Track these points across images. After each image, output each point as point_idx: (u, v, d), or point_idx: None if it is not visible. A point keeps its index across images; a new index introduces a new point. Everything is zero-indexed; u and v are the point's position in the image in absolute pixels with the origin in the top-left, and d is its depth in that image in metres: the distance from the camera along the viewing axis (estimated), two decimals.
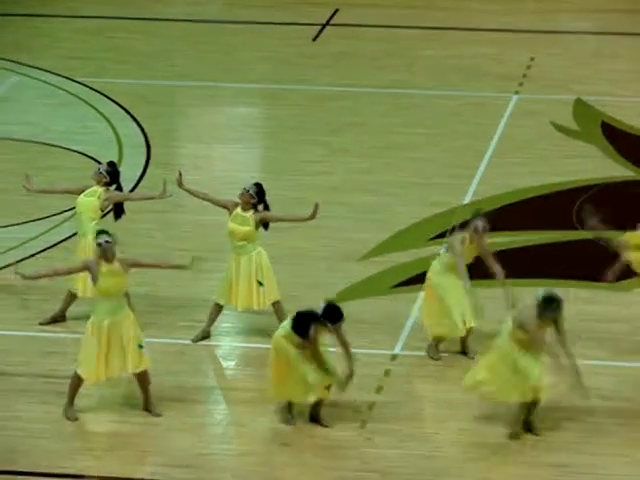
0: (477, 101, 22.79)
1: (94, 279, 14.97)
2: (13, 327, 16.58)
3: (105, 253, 14.96)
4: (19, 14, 26.95)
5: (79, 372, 15.06)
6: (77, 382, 15.14)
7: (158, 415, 15.12)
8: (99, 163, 17.73)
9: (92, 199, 17.07)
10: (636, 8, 26.83)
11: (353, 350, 14.77)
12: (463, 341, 16.13)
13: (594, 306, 16.78)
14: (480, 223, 15.74)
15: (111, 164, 17.23)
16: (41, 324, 16.86)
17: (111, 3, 27.87)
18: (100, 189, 16.98)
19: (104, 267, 14.98)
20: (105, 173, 17.06)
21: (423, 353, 15.99)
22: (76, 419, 15.05)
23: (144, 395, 14.96)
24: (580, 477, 13.64)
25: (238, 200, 16.13)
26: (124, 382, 15.10)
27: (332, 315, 14.70)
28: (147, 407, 15.27)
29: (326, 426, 15.04)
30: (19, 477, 13.53)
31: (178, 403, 15.04)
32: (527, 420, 14.86)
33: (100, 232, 15.70)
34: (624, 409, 14.91)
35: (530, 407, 14.87)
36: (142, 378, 15.12)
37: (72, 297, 17.51)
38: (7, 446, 13.74)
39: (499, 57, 24.64)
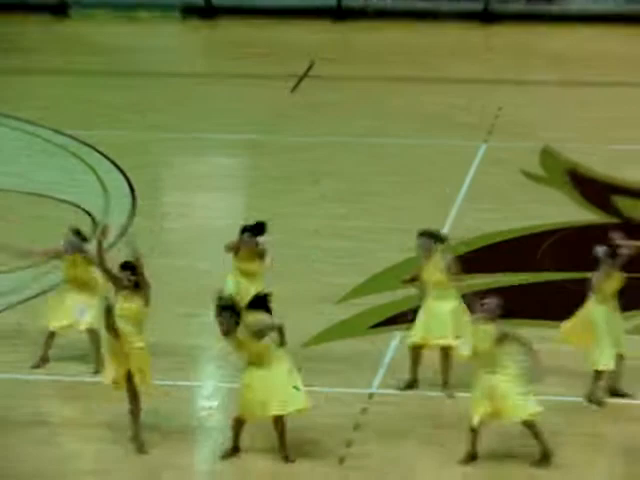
0: (448, 149, 22.99)
1: None
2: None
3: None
4: None
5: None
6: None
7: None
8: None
9: None
10: (595, 58, 27.11)
11: (332, 389, 15.28)
12: None
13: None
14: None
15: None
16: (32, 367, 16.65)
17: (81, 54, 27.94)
18: None
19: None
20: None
21: (399, 392, 15.96)
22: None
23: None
24: None
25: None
26: None
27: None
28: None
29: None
30: None
31: None
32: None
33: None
34: None
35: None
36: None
37: (52, 336, 17.08)
38: None
39: (468, 107, 24.79)
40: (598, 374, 15.51)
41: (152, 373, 15.18)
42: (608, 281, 15.55)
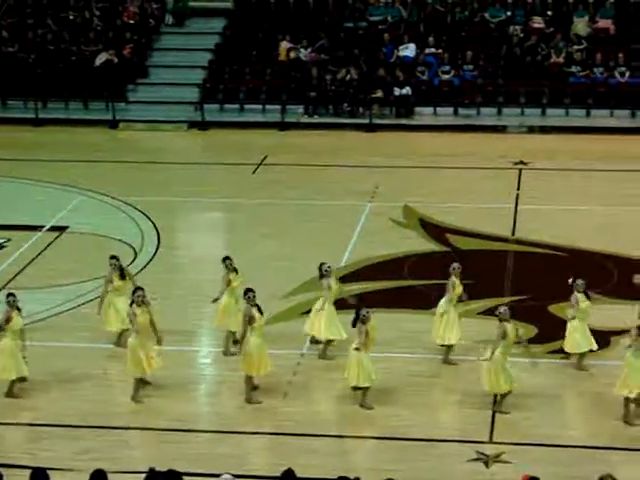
0: (348, 207, 22.78)
1: None
2: None
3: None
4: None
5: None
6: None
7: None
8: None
9: None
10: (436, 154, 26.78)
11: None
12: None
13: None
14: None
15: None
16: None
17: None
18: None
19: None
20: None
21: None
22: None
23: None
24: None
25: None
26: None
27: None
28: None
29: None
30: None
31: None
32: None
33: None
34: None
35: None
36: None
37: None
38: None
39: (359, 182, 24.32)
40: None
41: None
42: None
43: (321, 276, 16.08)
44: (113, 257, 16.71)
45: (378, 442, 14.35)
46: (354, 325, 14.97)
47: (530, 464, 13.50)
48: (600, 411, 14.82)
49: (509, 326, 14.68)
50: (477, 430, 14.47)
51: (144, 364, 14.96)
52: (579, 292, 15.68)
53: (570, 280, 15.77)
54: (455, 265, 16.23)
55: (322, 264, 16.24)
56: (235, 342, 15.97)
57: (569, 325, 15.78)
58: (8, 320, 15.01)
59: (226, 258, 16.43)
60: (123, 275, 16.59)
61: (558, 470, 13.48)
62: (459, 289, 15.98)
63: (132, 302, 15.14)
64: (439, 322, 16.02)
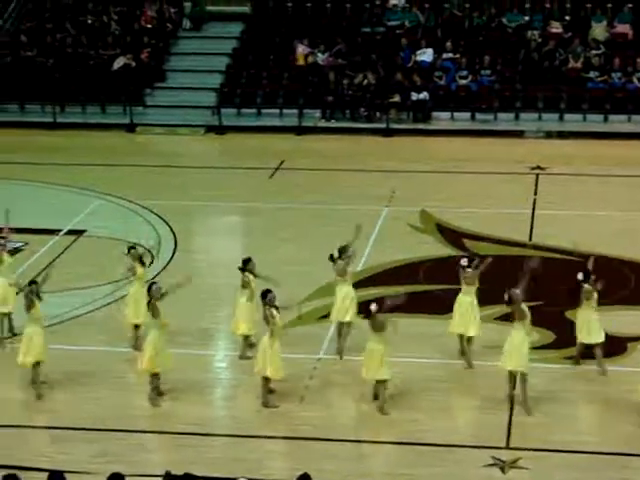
0: (365, 211, 22.43)
1: None
2: None
3: None
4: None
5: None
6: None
7: None
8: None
9: None
10: (455, 158, 26.83)
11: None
12: None
13: None
14: None
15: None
16: None
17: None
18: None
19: None
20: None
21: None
22: None
23: None
24: None
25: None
26: None
27: None
28: None
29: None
30: None
31: None
32: None
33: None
34: None
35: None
36: None
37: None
38: None
39: (376, 187, 24.38)
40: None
41: None
42: None
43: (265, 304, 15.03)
44: (132, 247, 16.85)
45: (394, 447, 14.34)
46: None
47: (547, 470, 13.45)
48: (615, 417, 14.86)
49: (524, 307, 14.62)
50: (493, 435, 14.40)
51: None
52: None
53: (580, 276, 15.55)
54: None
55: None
56: (251, 345, 15.98)
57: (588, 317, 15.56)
58: (30, 307, 15.25)
59: (247, 260, 16.37)
60: (143, 262, 16.74)
61: (577, 476, 13.44)
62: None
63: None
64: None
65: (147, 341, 15.21)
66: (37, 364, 15.37)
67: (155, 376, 15.30)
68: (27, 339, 15.37)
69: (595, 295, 15.65)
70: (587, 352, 16.11)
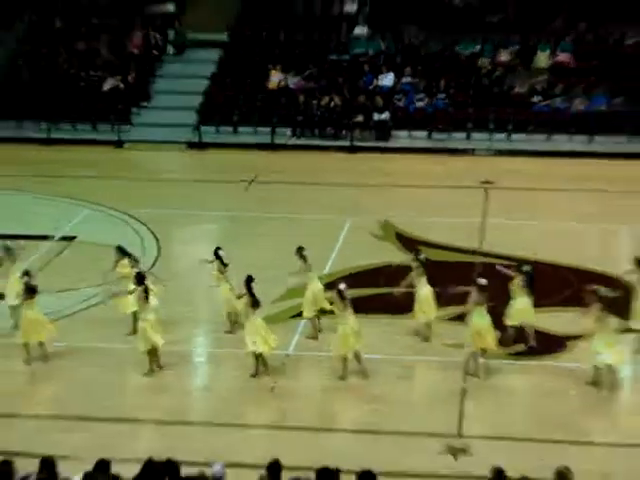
0: (328, 222, 22.53)
1: None
2: None
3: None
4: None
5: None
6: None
7: None
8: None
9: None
10: (409, 175, 27.07)
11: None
12: None
13: None
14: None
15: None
16: None
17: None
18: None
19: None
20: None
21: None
22: None
23: None
24: None
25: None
26: None
27: None
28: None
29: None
30: None
31: None
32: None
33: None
34: None
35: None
36: None
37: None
38: None
39: (342, 199, 24.26)
40: None
41: None
42: None
43: None
44: (119, 248, 16.95)
45: (352, 435, 14.25)
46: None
47: (492, 455, 13.37)
48: (553, 407, 14.87)
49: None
50: (446, 424, 14.37)
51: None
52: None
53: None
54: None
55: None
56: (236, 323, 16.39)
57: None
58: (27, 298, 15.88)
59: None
60: (134, 259, 16.97)
61: (518, 458, 13.31)
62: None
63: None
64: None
65: (140, 325, 15.44)
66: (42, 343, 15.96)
67: (152, 353, 15.52)
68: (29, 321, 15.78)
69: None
70: (532, 347, 16.43)
